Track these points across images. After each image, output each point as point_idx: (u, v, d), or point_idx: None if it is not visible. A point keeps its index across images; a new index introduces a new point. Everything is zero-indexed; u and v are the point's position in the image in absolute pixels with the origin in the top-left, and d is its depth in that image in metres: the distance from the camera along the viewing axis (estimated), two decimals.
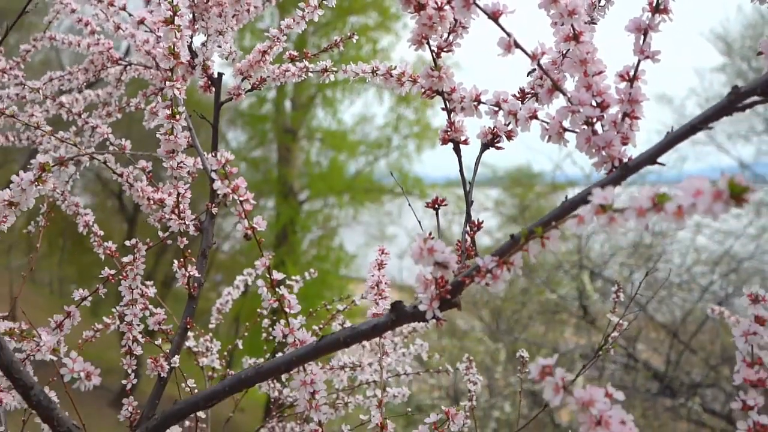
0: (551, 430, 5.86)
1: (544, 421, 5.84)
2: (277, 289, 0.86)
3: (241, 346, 1.75)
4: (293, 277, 1.76)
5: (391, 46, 10.80)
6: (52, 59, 8.89)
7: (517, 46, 0.78)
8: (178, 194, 1.10)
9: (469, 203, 0.88)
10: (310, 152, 11.28)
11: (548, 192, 9.07)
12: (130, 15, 1.32)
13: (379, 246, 1.06)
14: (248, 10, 1.26)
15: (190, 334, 1.49)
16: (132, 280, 1.08)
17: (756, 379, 0.67)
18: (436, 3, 0.79)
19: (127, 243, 1.10)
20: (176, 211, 1.12)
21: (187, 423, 1.50)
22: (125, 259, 1.08)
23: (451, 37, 0.87)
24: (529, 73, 0.89)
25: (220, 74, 1.27)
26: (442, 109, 0.91)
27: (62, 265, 12.17)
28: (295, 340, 0.84)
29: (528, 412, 6.11)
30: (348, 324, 1.59)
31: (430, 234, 0.69)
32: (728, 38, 8.11)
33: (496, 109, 0.88)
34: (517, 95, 0.88)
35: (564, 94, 0.80)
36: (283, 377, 1.62)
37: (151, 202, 1.22)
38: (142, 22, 1.24)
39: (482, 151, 0.91)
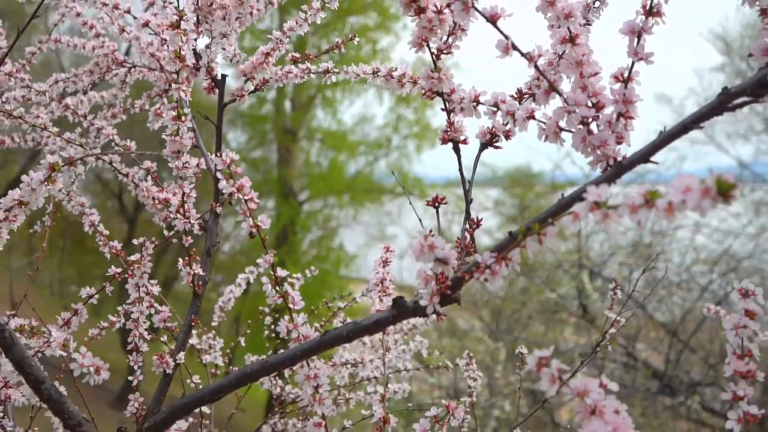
0: (551, 430, 5.88)
1: (543, 420, 5.86)
2: (280, 286, 0.88)
3: (243, 343, 1.78)
4: (294, 276, 1.78)
5: (390, 46, 10.84)
6: (52, 60, 8.92)
7: (515, 48, 0.80)
8: (183, 194, 1.12)
9: (468, 201, 0.90)
10: (310, 152, 11.30)
11: (548, 192, 9.07)
12: (135, 18, 1.34)
13: (384, 244, 1.08)
14: (251, 13, 1.28)
15: (193, 332, 1.51)
16: (139, 278, 1.10)
17: (746, 371, 0.69)
18: (436, 6, 0.82)
19: (135, 242, 1.12)
20: (181, 211, 1.14)
21: (191, 419, 1.52)
22: (132, 258, 1.10)
23: (450, 40, 0.90)
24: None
25: (224, 76, 1.29)
26: (442, 109, 0.93)
27: (62, 266, 12.19)
28: (299, 336, 0.86)
29: (528, 411, 6.12)
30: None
31: (430, 231, 0.71)
32: (727, 38, 8.14)
33: (495, 109, 0.90)
34: (515, 96, 0.90)
35: (560, 94, 0.82)
36: (286, 373, 1.64)
37: (156, 201, 1.24)
38: (146, 24, 1.26)
39: (481, 150, 0.93)
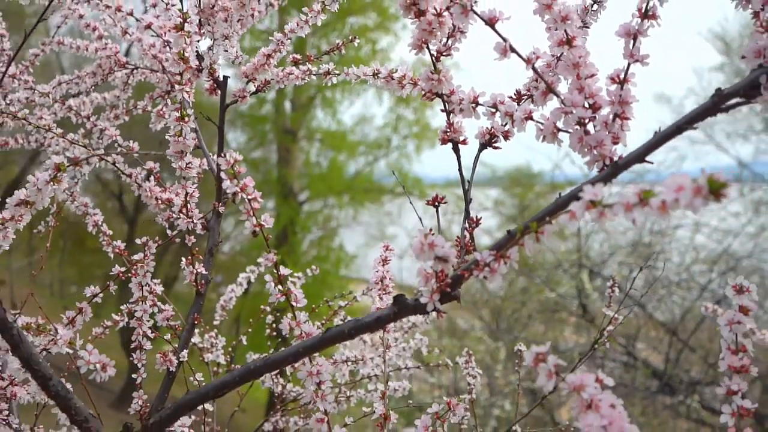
0: (551, 429, 5.88)
1: (544, 420, 5.87)
2: (283, 284, 0.89)
3: (245, 342, 1.79)
4: (295, 275, 1.79)
5: (390, 46, 10.85)
6: (52, 61, 8.93)
7: (513, 50, 0.82)
8: (187, 194, 1.14)
9: (467, 201, 0.92)
10: (310, 153, 11.31)
11: (547, 192, 9.08)
12: (137, 20, 1.36)
13: (384, 243, 1.10)
14: (252, 15, 1.29)
15: (195, 330, 1.52)
16: (142, 277, 1.11)
17: (740, 366, 0.70)
18: (436, 9, 0.83)
19: (138, 241, 1.13)
20: (184, 211, 1.15)
21: (193, 417, 1.53)
22: (135, 257, 1.11)
23: (450, 42, 0.91)
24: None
25: (226, 77, 1.30)
26: (442, 110, 0.94)
27: (63, 267, 12.19)
28: (301, 333, 0.87)
29: (527, 411, 6.12)
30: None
31: (430, 230, 0.72)
32: (727, 38, 8.16)
33: (494, 110, 0.92)
34: (514, 97, 0.92)
35: (558, 96, 0.84)
36: (287, 371, 1.65)
37: (159, 201, 1.25)
38: (149, 26, 1.27)
39: (480, 150, 0.95)
